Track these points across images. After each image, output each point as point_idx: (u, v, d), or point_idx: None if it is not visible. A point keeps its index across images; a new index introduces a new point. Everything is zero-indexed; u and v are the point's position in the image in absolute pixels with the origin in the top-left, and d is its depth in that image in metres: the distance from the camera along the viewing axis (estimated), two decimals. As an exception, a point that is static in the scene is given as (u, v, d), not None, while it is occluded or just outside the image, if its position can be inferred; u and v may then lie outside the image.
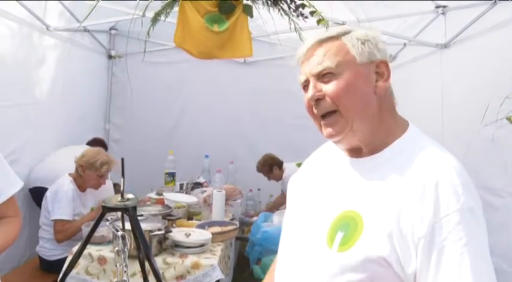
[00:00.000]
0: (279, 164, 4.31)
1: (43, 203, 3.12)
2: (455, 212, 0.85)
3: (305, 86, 1.03)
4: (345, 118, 0.97)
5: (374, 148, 1.00)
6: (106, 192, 3.33)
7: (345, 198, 0.98)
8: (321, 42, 1.01)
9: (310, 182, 1.13)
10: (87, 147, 3.92)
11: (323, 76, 0.98)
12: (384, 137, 1.00)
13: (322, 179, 1.09)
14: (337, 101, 0.97)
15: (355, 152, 1.03)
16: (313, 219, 1.02)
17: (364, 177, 0.98)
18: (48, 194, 3.09)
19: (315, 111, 1.01)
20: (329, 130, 0.99)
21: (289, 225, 1.13)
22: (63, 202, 2.99)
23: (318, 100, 0.99)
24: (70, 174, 3.17)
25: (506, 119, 2.12)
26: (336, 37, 1.00)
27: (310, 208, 1.05)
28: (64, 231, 2.96)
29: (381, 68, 1.00)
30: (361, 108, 0.97)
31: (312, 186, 1.10)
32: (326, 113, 0.99)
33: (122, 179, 1.40)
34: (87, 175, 3.10)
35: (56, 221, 2.97)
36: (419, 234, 0.86)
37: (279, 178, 4.30)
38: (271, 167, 4.31)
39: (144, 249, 1.38)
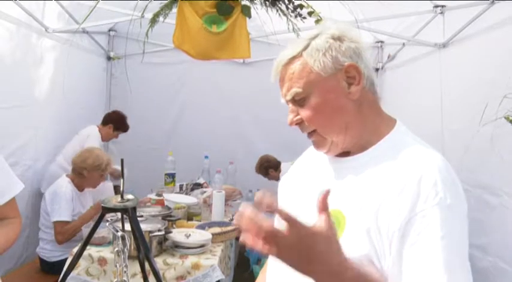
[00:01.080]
0: (275, 166, 4.35)
1: (42, 204, 3.13)
2: (433, 207, 0.84)
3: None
4: (324, 136, 1.01)
5: (361, 148, 1.01)
6: (106, 193, 3.34)
7: (331, 197, 0.98)
8: (286, 65, 1.01)
9: (299, 182, 1.13)
10: (93, 130, 3.97)
11: (297, 101, 1.01)
12: (369, 136, 1.00)
13: (310, 180, 1.09)
14: (313, 124, 1.00)
15: (344, 153, 1.04)
16: (302, 219, 1.02)
17: (349, 176, 0.99)
18: (46, 195, 3.09)
19: (300, 130, 1.05)
20: (314, 145, 1.06)
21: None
22: (62, 203, 3.00)
23: (297, 124, 1.03)
24: (67, 175, 3.18)
25: (505, 118, 2.12)
26: (298, 55, 1.00)
27: (299, 209, 1.05)
28: (64, 233, 2.97)
29: (350, 72, 0.98)
30: (336, 123, 0.99)
31: (300, 187, 1.11)
32: (308, 133, 1.04)
33: (122, 180, 1.40)
34: (91, 176, 3.12)
35: (55, 223, 2.98)
36: (394, 228, 0.86)
37: (277, 179, 4.33)
38: (266, 169, 4.38)
39: (144, 249, 1.38)
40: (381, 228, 0.87)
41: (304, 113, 1.00)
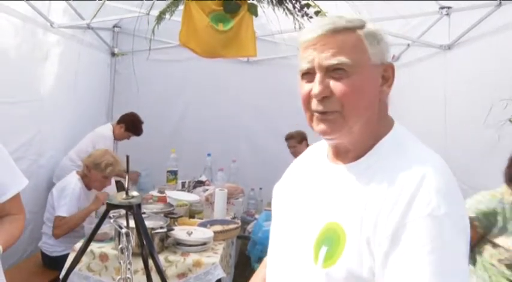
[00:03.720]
0: (297, 138, 4.23)
1: (49, 198, 3.14)
2: (424, 217, 0.79)
3: (306, 73, 0.93)
4: (346, 120, 0.90)
5: (360, 152, 0.95)
6: (108, 189, 3.34)
7: (328, 209, 0.93)
8: (336, 31, 0.90)
9: (294, 190, 1.07)
10: (106, 131, 4.06)
11: (333, 71, 0.89)
12: (371, 140, 0.94)
13: (306, 188, 1.03)
14: (344, 103, 0.89)
15: (339, 154, 0.99)
16: (299, 232, 0.97)
17: (346, 185, 0.92)
18: (54, 190, 3.10)
19: (316, 107, 0.92)
20: (323, 127, 0.92)
21: (275, 238, 1.08)
22: (69, 199, 3.00)
23: (323, 97, 0.90)
24: (77, 172, 3.19)
25: (510, 121, 2.12)
26: (353, 29, 0.90)
27: (296, 220, 1.00)
28: (61, 227, 2.96)
29: (388, 72, 0.94)
30: (365, 112, 0.91)
31: (296, 196, 1.05)
32: (327, 112, 0.91)
33: (127, 176, 1.41)
34: (92, 175, 3.12)
35: (56, 217, 2.98)
36: (384, 235, 0.81)
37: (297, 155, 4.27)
38: (301, 140, 4.23)
39: (148, 246, 1.39)
40: (377, 238, 0.82)
41: (340, 88, 0.89)
